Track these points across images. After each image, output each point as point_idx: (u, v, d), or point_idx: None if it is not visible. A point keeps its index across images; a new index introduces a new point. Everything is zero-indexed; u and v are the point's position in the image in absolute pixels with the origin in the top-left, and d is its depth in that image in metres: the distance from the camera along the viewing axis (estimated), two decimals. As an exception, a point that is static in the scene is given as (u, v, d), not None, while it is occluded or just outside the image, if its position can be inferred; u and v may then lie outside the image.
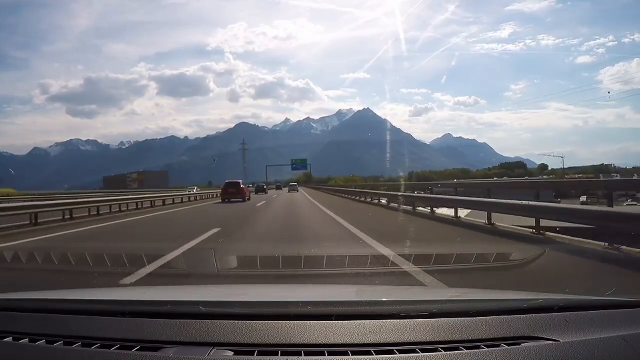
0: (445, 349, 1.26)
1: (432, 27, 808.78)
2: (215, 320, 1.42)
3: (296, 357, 1.24)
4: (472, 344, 1.29)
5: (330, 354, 1.25)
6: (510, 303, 1.71)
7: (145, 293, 2.30)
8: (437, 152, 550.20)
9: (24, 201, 18.86)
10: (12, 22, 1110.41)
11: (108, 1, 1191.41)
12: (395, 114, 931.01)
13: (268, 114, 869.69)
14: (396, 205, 16.98)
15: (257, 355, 1.25)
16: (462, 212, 12.39)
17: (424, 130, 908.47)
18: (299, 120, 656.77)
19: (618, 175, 45.75)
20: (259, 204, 21.55)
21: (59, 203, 14.51)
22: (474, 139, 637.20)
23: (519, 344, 1.29)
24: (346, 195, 29.77)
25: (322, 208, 17.86)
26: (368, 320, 1.42)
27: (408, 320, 1.44)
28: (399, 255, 5.43)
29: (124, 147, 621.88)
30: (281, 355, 1.24)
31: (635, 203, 25.76)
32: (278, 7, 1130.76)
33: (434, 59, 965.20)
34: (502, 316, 1.46)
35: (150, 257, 5.11)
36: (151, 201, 22.36)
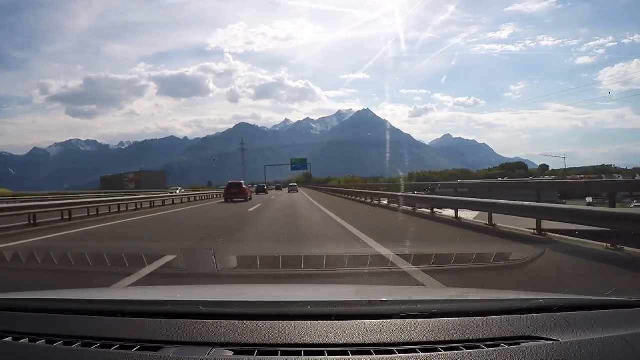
0: (445, 349, 1.26)
1: (432, 28, 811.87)
2: (215, 320, 1.42)
3: (296, 357, 1.24)
4: (472, 344, 1.29)
5: (330, 354, 1.25)
6: (510, 303, 1.71)
7: (145, 293, 2.30)
8: (437, 152, 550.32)
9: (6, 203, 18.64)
10: (12, 22, 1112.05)
11: (108, 1, 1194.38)
12: (395, 114, 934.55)
13: (268, 115, 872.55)
14: (396, 205, 16.83)
15: (257, 355, 1.25)
16: (470, 215, 12.06)
17: (423, 130, 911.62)
18: (299, 121, 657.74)
19: (620, 176, 45.54)
20: (252, 209, 18.07)
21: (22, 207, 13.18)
22: (473, 140, 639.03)
23: (519, 344, 1.28)
24: (347, 196, 29.67)
25: (326, 211, 17.75)
26: (368, 320, 1.42)
27: (408, 320, 1.43)
28: (399, 255, 5.43)
29: (123, 147, 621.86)
30: (281, 355, 1.24)
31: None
32: (278, 7, 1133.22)
33: (434, 60, 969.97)
34: (502, 316, 1.46)
35: None
36: (136, 204, 19.81)
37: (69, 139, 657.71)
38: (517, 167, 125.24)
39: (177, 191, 41.81)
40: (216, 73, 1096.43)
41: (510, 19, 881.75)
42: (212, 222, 13.50)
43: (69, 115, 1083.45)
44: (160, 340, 1.33)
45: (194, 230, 10.94)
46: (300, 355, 1.24)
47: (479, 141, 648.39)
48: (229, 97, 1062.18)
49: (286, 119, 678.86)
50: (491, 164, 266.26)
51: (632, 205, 23.79)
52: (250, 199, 27.92)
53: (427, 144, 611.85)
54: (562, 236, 7.50)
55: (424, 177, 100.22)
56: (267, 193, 45.17)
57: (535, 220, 8.11)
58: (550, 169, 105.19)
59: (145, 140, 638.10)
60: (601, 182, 21.39)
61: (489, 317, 1.44)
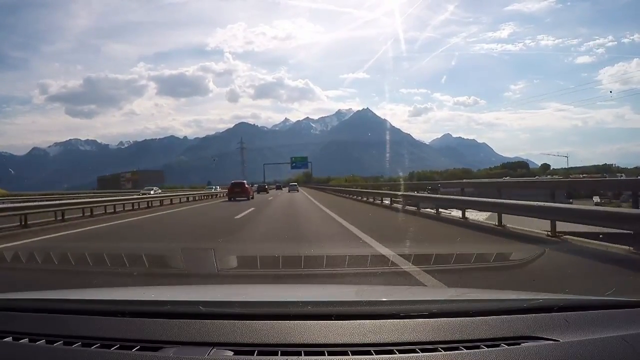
0: (445, 349, 1.26)
1: (431, 27, 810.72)
2: (215, 320, 1.42)
3: (296, 357, 1.24)
4: (472, 344, 1.29)
5: (330, 354, 1.25)
6: (510, 303, 1.71)
7: (145, 293, 2.30)
8: (437, 152, 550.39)
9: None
10: (11, 22, 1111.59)
11: (108, 1, 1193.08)
12: (395, 114, 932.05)
13: (267, 114, 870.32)
14: (400, 206, 16.41)
15: (257, 355, 1.25)
16: (477, 215, 11.62)
17: (423, 130, 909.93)
18: (299, 121, 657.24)
19: (623, 175, 45.37)
20: (239, 216, 14.14)
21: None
22: (473, 139, 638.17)
23: (519, 344, 1.29)
24: (348, 196, 29.54)
25: (327, 211, 17.71)
26: (368, 320, 1.42)
27: (408, 320, 1.43)
28: (399, 255, 5.44)
29: (123, 147, 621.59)
30: (281, 355, 1.24)
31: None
32: (277, 7, 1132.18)
33: (434, 59, 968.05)
34: (502, 316, 1.46)
35: None
36: (133, 204, 19.27)
37: (68, 139, 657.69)
38: (519, 167, 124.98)
39: (152, 192, 36.74)
40: (216, 73, 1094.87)
41: (510, 18, 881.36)
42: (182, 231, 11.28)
43: (68, 115, 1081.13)
44: (160, 340, 1.33)
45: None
46: (300, 355, 1.24)
47: (479, 140, 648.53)
48: (229, 96, 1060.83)
49: (286, 118, 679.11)
50: (491, 163, 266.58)
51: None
52: (252, 198, 29.25)
53: (427, 143, 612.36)
54: (580, 239, 7.01)
55: (425, 176, 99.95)
56: (267, 192, 46.59)
57: (547, 220, 7.63)
58: (551, 168, 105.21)
59: (145, 140, 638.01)
60: (612, 181, 20.73)
61: (489, 317, 1.44)
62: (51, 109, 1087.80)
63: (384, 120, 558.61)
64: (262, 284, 3.87)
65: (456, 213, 12.65)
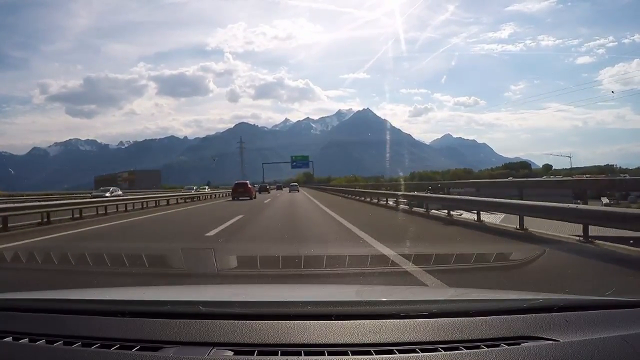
0: (445, 349, 1.26)
1: (432, 27, 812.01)
2: (215, 320, 1.42)
3: (296, 357, 1.23)
4: (472, 344, 1.29)
5: (330, 354, 1.25)
6: (510, 303, 1.71)
7: (145, 293, 2.30)
8: (437, 152, 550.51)
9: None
10: (12, 22, 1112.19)
11: (108, 1, 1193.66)
12: (395, 114, 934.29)
13: (268, 114, 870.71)
14: (407, 207, 15.65)
15: (257, 355, 1.25)
16: (491, 218, 10.99)
17: (423, 130, 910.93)
18: (299, 121, 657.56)
19: (627, 175, 45.25)
20: (210, 234, 9.06)
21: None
22: (473, 140, 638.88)
23: (519, 344, 1.28)
24: (350, 196, 29.33)
25: (329, 211, 17.62)
26: (368, 320, 1.42)
27: (408, 320, 1.43)
28: (399, 255, 5.44)
29: (123, 147, 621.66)
30: (281, 355, 1.24)
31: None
32: (278, 7, 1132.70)
33: (434, 60, 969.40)
34: (502, 316, 1.46)
35: None
36: (126, 204, 18.56)
37: (68, 139, 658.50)
38: (521, 167, 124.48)
39: (108, 194, 30.44)
40: (216, 73, 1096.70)
41: (510, 18, 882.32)
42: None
43: (68, 114, 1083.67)
44: (160, 340, 1.33)
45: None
46: (300, 355, 1.24)
47: (479, 141, 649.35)
48: (229, 96, 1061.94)
49: (286, 118, 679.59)
50: (491, 163, 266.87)
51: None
52: (255, 198, 30.55)
53: (427, 143, 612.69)
54: (615, 244, 6.37)
55: (426, 176, 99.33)
56: (269, 192, 47.84)
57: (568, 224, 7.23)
58: (553, 168, 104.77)
59: (145, 139, 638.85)
60: (623, 180, 20.33)
61: (489, 317, 1.44)
62: (51, 109, 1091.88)
63: (384, 121, 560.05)
64: (262, 284, 3.87)
65: (467, 215, 11.98)
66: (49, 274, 4.76)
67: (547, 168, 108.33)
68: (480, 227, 9.94)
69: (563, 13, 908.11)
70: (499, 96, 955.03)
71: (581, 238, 6.91)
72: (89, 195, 32.49)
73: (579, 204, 8.85)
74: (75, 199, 21.78)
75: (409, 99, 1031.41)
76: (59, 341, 1.36)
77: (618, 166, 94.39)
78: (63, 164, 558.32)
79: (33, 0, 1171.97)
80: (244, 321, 1.42)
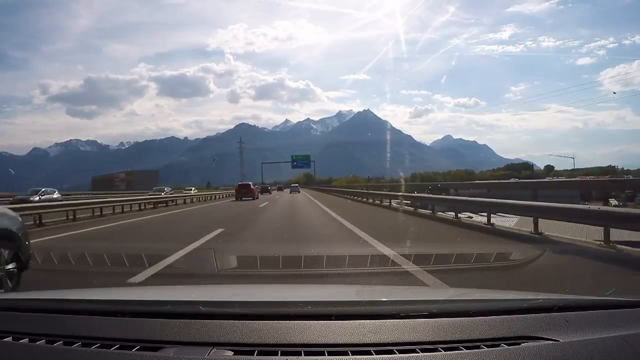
0: (445, 349, 1.26)
1: (432, 28, 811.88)
2: (215, 320, 1.42)
3: (296, 357, 1.23)
4: (472, 344, 1.28)
5: (330, 354, 1.25)
6: (510, 303, 1.71)
7: (145, 293, 2.30)
8: (437, 153, 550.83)
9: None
10: (12, 22, 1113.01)
11: (108, 1, 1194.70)
12: (396, 115, 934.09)
13: (268, 115, 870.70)
14: (412, 209, 15.37)
15: (257, 355, 1.25)
16: (503, 221, 10.61)
17: (424, 131, 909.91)
18: (299, 122, 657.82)
19: (630, 176, 45.20)
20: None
21: None
22: (474, 141, 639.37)
23: (519, 344, 1.28)
24: (353, 197, 29.18)
25: (333, 213, 17.52)
26: (368, 320, 1.42)
27: (408, 320, 1.43)
28: (400, 255, 5.44)
29: (123, 147, 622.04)
30: (281, 355, 1.24)
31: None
32: (278, 8, 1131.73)
33: (435, 61, 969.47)
34: (502, 316, 1.45)
35: None
36: (122, 206, 18.21)
37: (69, 139, 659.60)
38: (523, 168, 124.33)
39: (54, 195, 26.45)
40: (217, 73, 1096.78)
41: (510, 19, 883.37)
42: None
43: (69, 115, 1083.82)
44: (160, 340, 1.33)
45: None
46: (300, 355, 1.24)
47: (480, 142, 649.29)
48: (230, 97, 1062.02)
49: (287, 119, 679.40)
50: (492, 164, 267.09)
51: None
52: (257, 198, 31.95)
53: (428, 144, 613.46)
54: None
55: (428, 177, 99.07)
56: (270, 193, 49.52)
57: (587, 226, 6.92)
58: (554, 169, 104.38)
59: (146, 140, 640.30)
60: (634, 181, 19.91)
61: (489, 317, 1.44)
62: (52, 109, 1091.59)
63: (385, 122, 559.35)
64: (262, 284, 3.87)
65: (477, 218, 11.58)
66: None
67: (549, 169, 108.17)
68: (490, 230, 9.54)
69: (563, 14, 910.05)
70: (499, 97, 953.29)
71: (602, 242, 6.56)
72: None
73: (586, 204, 8.57)
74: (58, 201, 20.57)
75: (410, 100, 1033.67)
76: (59, 341, 1.36)
77: (620, 167, 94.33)
78: (63, 164, 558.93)
79: (34, 1, 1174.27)
80: (244, 321, 1.42)
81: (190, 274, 4.38)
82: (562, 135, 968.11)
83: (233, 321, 1.41)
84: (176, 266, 5.14)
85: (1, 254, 4.31)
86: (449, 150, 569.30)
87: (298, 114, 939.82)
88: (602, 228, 6.61)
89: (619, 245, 6.36)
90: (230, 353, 1.25)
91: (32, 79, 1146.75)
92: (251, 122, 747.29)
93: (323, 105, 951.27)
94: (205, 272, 4.19)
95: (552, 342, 1.28)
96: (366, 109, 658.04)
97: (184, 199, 29.30)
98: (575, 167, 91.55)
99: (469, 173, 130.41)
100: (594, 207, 7.32)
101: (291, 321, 1.41)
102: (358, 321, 1.41)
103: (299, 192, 50.70)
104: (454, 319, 1.44)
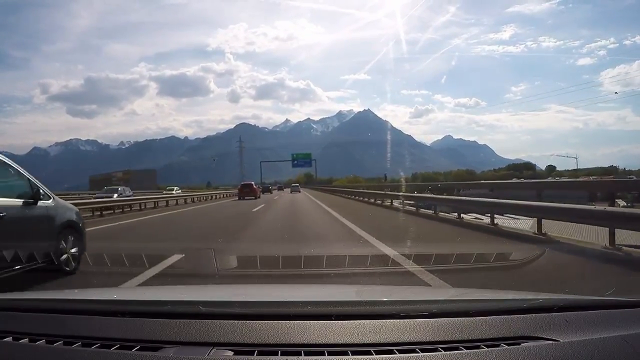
0: (445, 349, 1.26)
1: (432, 28, 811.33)
2: (215, 320, 1.42)
3: (296, 357, 1.23)
4: (472, 344, 1.28)
5: (330, 354, 1.25)
6: (510, 303, 1.71)
7: (145, 293, 2.30)
8: (438, 153, 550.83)
9: None
10: (12, 22, 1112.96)
11: (109, 1, 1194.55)
12: (396, 115, 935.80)
13: (268, 115, 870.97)
14: (414, 209, 15.29)
15: (257, 355, 1.25)
16: (510, 222, 10.41)
17: (424, 131, 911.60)
18: (300, 121, 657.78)
19: (633, 176, 45.15)
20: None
21: None
22: (474, 141, 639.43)
23: (519, 344, 1.28)
24: (355, 197, 29.04)
25: (334, 213, 17.49)
26: (368, 320, 1.42)
27: (408, 320, 1.43)
28: (400, 254, 5.44)
29: (124, 147, 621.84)
30: (281, 355, 1.24)
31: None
32: (279, 8, 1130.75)
33: (435, 61, 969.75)
34: (502, 316, 1.45)
35: None
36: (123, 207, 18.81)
37: (69, 139, 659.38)
38: (525, 168, 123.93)
39: None
40: (217, 73, 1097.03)
41: (511, 20, 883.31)
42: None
43: (69, 114, 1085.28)
44: (160, 340, 1.33)
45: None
46: (300, 355, 1.24)
47: (480, 142, 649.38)
48: (230, 97, 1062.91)
49: (287, 119, 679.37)
50: (492, 164, 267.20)
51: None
52: (259, 197, 32.69)
53: (428, 144, 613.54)
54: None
55: (429, 177, 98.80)
56: (271, 192, 50.61)
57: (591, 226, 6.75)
58: (556, 170, 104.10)
59: (146, 140, 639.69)
60: None
61: (489, 317, 1.44)
62: (52, 109, 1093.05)
63: (385, 122, 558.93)
64: (262, 284, 3.86)
65: (480, 217, 11.51)
66: None
67: (551, 169, 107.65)
68: (494, 230, 9.45)
69: (564, 14, 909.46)
70: (499, 97, 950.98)
71: (606, 245, 6.40)
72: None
73: (592, 205, 8.41)
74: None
75: (410, 100, 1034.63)
76: (59, 341, 1.36)
77: (621, 168, 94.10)
78: (63, 164, 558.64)
79: (34, 1, 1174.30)
80: (244, 321, 1.42)
81: (190, 273, 4.37)
82: (562, 135, 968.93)
83: (233, 321, 1.41)
84: (176, 266, 5.14)
85: (68, 239, 5.27)
86: (449, 150, 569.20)
87: (298, 113, 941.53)
88: (607, 229, 6.49)
89: (624, 247, 6.24)
90: (230, 353, 1.25)
91: (32, 78, 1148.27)
92: (251, 121, 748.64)
93: (323, 105, 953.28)
94: (205, 272, 4.19)
95: (552, 342, 1.28)
96: (366, 108, 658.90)
97: (184, 199, 29.28)
98: (573, 168, 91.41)
99: (470, 173, 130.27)
100: (599, 207, 7.20)
101: (291, 321, 1.41)
102: (358, 321, 1.41)
103: (300, 191, 50.66)
104: (454, 319, 1.44)
